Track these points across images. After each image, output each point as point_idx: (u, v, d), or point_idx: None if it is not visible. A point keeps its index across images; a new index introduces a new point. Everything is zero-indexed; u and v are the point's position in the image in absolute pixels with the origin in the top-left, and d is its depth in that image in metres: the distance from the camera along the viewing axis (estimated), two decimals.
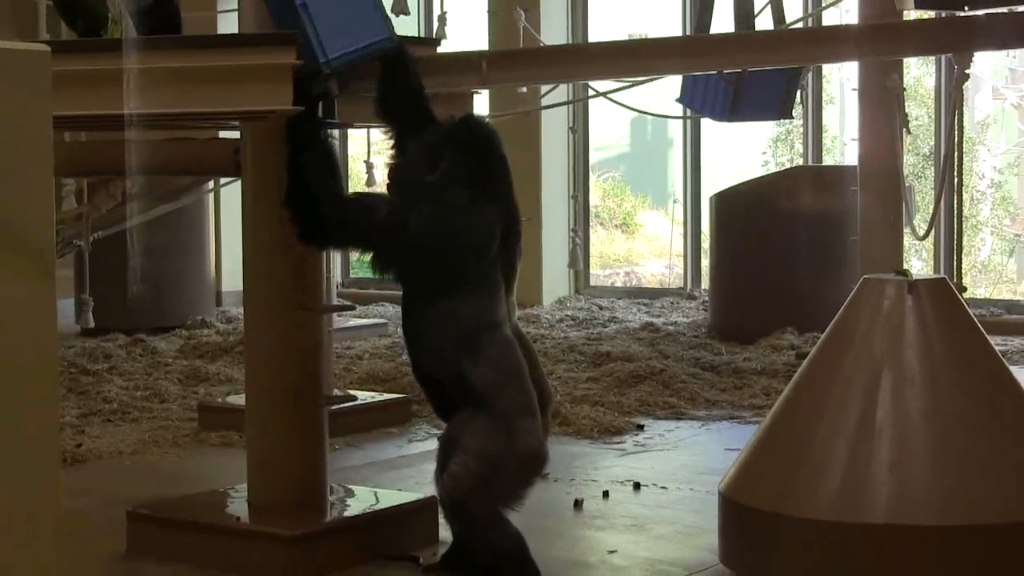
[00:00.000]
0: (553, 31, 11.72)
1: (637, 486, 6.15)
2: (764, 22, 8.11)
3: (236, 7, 5.74)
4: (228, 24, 11.36)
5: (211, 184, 9.86)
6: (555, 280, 12.19)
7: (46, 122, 2.71)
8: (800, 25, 9.40)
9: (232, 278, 11.56)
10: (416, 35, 10.92)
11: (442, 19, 8.91)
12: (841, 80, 14.45)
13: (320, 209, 4.67)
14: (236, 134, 5.57)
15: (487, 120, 5.10)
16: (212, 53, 4.97)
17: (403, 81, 4.98)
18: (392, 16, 6.50)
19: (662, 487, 6.14)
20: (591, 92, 9.76)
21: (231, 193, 10.39)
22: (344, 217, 4.68)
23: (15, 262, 2.63)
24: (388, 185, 4.82)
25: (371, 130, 8.77)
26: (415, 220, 4.56)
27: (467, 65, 5.58)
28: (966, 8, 5.36)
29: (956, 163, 6.50)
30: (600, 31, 12.67)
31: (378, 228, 4.61)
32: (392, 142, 4.98)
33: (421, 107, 4.97)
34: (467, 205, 4.59)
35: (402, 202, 4.63)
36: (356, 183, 12.80)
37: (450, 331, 4.50)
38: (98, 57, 5.02)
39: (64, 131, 6.38)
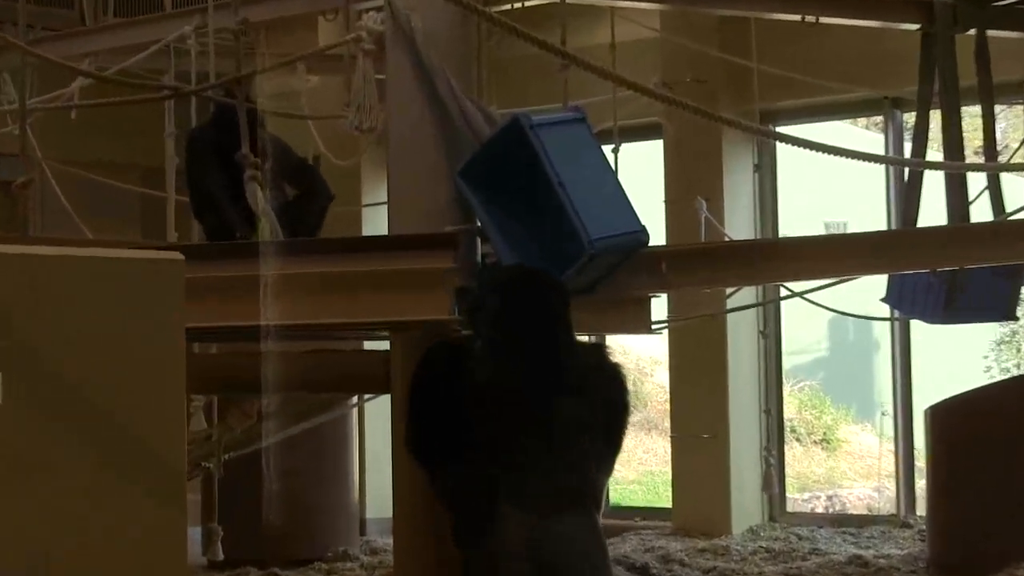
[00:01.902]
0: (738, 221, 11.75)
1: None
2: (982, 211, 8.08)
3: (385, 200, 5.83)
4: (376, 218, 11.70)
5: (354, 400, 9.92)
6: (746, 506, 12.02)
7: (179, 335, 2.88)
8: None
9: (378, 504, 11.56)
10: None
11: None
12: None
13: None
14: (382, 344, 5.70)
15: (609, 352, 5.06)
16: (362, 257, 5.12)
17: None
18: None
19: None
20: (784, 292, 9.73)
21: (377, 408, 10.47)
22: None
23: (146, 484, 2.77)
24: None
25: None
26: None
27: (643, 265, 5.56)
28: None
29: None
30: (792, 220, 12.70)
31: None
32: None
33: None
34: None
35: None
36: None
37: None
38: (233, 263, 5.17)
39: (194, 343, 6.45)
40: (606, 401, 4.82)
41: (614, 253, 5.20)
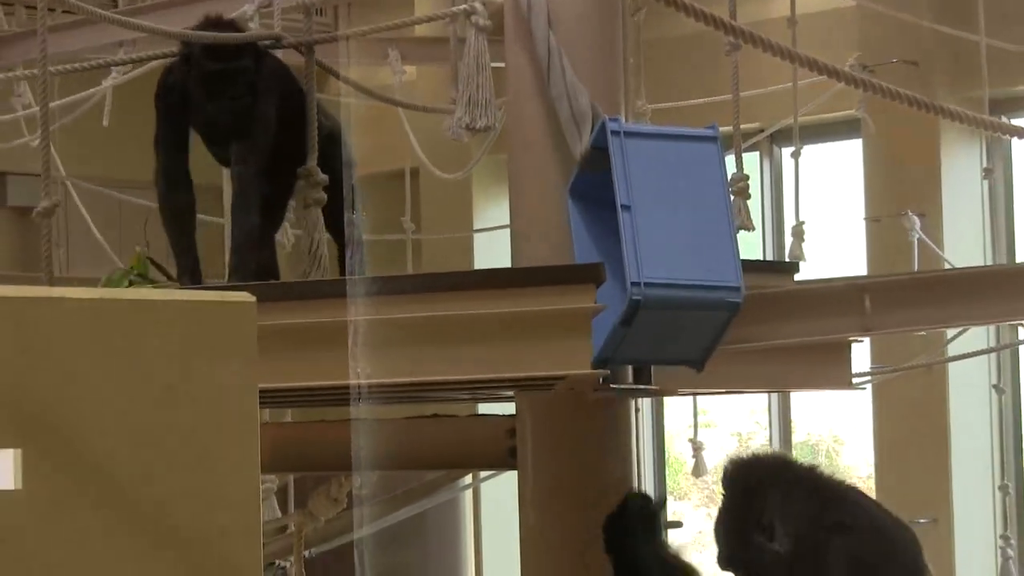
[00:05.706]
0: (962, 243, 11.63)
1: None
2: None
3: (505, 224, 5.87)
4: (494, 245, 11.63)
5: (468, 479, 9.88)
6: None
7: (250, 399, 2.85)
8: None
9: None
10: (763, 259, 11.13)
11: (798, 232, 8.99)
12: None
13: None
14: (503, 408, 5.74)
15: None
16: (478, 296, 5.07)
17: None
18: None
19: None
20: None
21: (497, 490, 10.36)
22: None
23: None
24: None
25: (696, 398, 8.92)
26: None
27: (840, 303, 5.69)
28: None
29: None
30: None
31: None
32: None
33: None
34: None
35: None
36: (678, 468, 12.89)
37: None
38: (313, 305, 5.13)
39: (264, 409, 6.26)
40: None
41: (679, 310, 5.04)
